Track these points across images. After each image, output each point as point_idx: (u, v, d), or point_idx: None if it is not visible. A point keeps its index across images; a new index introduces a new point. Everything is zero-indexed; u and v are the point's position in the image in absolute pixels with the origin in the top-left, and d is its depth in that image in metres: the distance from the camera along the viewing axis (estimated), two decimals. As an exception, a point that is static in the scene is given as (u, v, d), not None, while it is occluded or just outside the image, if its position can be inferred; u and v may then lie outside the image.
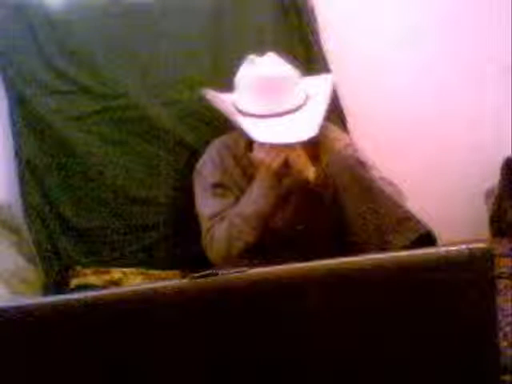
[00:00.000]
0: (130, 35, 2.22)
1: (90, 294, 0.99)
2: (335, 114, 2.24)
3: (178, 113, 2.21)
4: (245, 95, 1.92)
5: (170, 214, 2.17)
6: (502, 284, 1.72)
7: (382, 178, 1.87)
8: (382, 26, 2.37)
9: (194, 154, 2.13)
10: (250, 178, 1.99)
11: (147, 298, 0.94)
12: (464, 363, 0.96)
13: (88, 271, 2.05)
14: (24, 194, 2.10)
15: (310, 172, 1.88)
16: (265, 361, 0.94)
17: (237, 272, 0.93)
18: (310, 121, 1.86)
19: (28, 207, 2.09)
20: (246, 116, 1.90)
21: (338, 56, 2.29)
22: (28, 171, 2.10)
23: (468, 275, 0.94)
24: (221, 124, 2.08)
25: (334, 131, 2.09)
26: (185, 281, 0.93)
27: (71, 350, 0.92)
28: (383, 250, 1.65)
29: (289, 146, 1.86)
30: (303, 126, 1.85)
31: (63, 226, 2.12)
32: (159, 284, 1.00)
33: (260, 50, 1.98)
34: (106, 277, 2.03)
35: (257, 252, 1.91)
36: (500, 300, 1.58)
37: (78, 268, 2.07)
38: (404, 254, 1.07)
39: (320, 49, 2.28)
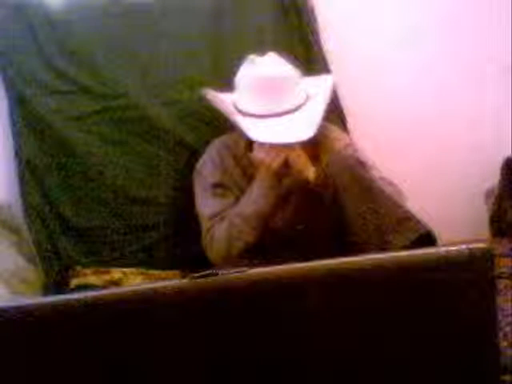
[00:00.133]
0: (130, 35, 2.22)
1: (90, 294, 0.99)
2: (335, 114, 2.24)
3: (177, 113, 2.21)
4: (245, 95, 1.92)
5: (170, 214, 2.17)
6: (502, 284, 1.72)
7: (382, 178, 1.87)
8: (382, 25, 2.37)
9: (194, 154, 2.13)
10: (250, 178, 1.99)
11: (147, 298, 0.94)
12: (464, 363, 0.96)
13: (88, 271, 2.05)
14: (24, 193, 2.10)
15: (310, 172, 1.88)
16: (265, 361, 0.94)
17: (237, 272, 0.93)
18: (309, 121, 1.86)
19: (28, 207, 2.09)
20: (246, 116, 1.90)
21: (337, 56, 2.29)
22: (28, 171, 2.10)
23: (468, 275, 0.94)
24: (221, 124, 2.08)
25: (334, 131, 2.09)
26: (185, 281, 0.93)
27: (71, 350, 0.92)
28: (383, 249, 1.65)
29: (288, 146, 1.86)
30: (302, 126, 1.85)
31: (63, 226, 2.12)
32: (159, 284, 1.00)
33: (260, 49, 1.98)
34: (106, 277, 2.03)
35: (257, 252, 1.91)
36: (500, 300, 1.58)
37: (78, 268, 2.07)
38: (404, 253, 1.07)
39: (320, 49, 2.28)
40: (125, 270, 2.07)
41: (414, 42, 2.37)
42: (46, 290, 1.98)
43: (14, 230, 1.97)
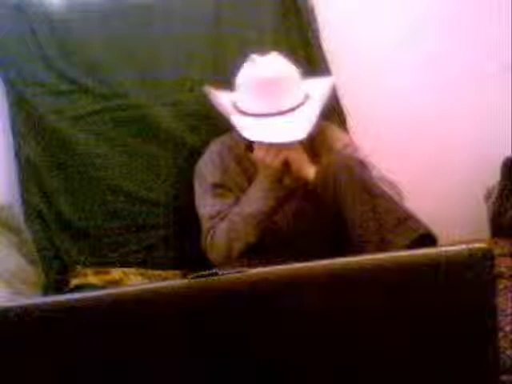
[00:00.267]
0: (130, 35, 2.22)
1: (90, 293, 0.99)
2: (335, 114, 2.24)
3: (177, 113, 2.21)
4: (244, 94, 1.92)
5: (170, 214, 2.17)
6: (502, 284, 1.72)
7: (382, 178, 1.87)
8: (382, 25, 2.37)
9: (194, 154, 2.13)
10: (250, 178, 1.99)
11: (147, 298, 0.94)
12: (464, 363, 0.96)
13: (88, 271, 2.05)
14: (24, 193, 2.10)
15: (310, 172, 1.88)
16: (265, 361, 0.94)
17: (237, 272, 0.93)
18: (306, 121, 1.86)
19: (28, 207, 2.09)
20: (246, 115, 1.90)
21: (337, 56, 2.29)
22: (28, 171, 2.11)
23: (468, 275, 0.94)
24: (221, 124, 2.08)
25: (334, 131, 2.09)
26: (185, 281, 0.93)
27: (71, 350, 0.92)
28: (383, 249, 1.65)
29: (288, 146, 1.86)
30: (299, 126, 1.85)
31: (63, 226, 2.12)
32: (159, 284, 1.00)
33: (260, 49, 1.98)
34: (106, 277, 2.03)
35: (257, 252, 1.91)
36: (500, 300, 1.58)
37: (78, 268, 2.07)
38: (404, 253, 1.07)
39: (320, 49, 2.28)
40: (125, 269, 2.08)
41: (414, 41, 2.37)
42: (46, 289, 1.98)
43: (14, 230, 1.97)
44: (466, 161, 2.41)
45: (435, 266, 0.95)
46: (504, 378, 1.32)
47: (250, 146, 1.96)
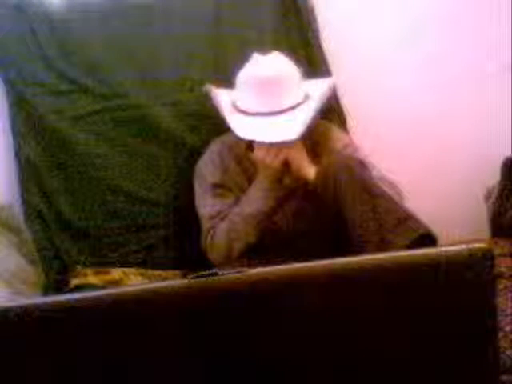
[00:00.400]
0: (130, 35, 2.22)
1: (90, 293, 0.99)
2: (335, 114, 2.24)
3: (177, 113, 2.21)
4: (244, 93, 1.92)
5: (170, 214, 2.17)
6: (502, 284, 1.72)
7: (382, 178, 1.87)
8: (382, 26, 2.37)
9: (194, 154, 2.13)
10: (250, 177, 1.99)
11: (147, 298, 0.94)
12: (464, 363, 0.96)
13: (88, 271, 2.05)
14: (24, 193, 2.10)
15: (310, 172, 1.88)
16: (265, 361, 0.94)
17: (237, 272, 0.93)
18: (304, 120, 1.86)
19: (28, 207, 2.09)
20: (245, 114, 1.90)
21: (338, 56, 2.29)
22: (28, 171, 2.11)
23: (468, 275, 0.94)
24: (221, 124, 2.08)
25: (334, 131, 2.09)
26: (185, 281, 0.93)
27: (71, 350, 0.92)
28: (383, 249, 1.65)
29: (288, 146, 1.86)
30: (296, 126, 1.84)
31: (63, 226, 2.12)
32: (159, 284, 1.00)
33: (260, 49, 1.98)
34: (106, 277, 2.03)
35: (257, 252, 1.91)
36: (500, 300, 1.58)
37: (78, 268, 2.07)
38: (404, 253, 1.07)
39: (320, 49, 2.28)
40: (125, 269, 2.08)
41: (414, 41, 2.37)
42: (46, 289, 1.98)
43: (14, 230, 1.97)
44: (466, 161, 2.41)
45: (435, 266, 0.95)
46: (504, 377, 1.32)
47: (250, 145, 1.95)
